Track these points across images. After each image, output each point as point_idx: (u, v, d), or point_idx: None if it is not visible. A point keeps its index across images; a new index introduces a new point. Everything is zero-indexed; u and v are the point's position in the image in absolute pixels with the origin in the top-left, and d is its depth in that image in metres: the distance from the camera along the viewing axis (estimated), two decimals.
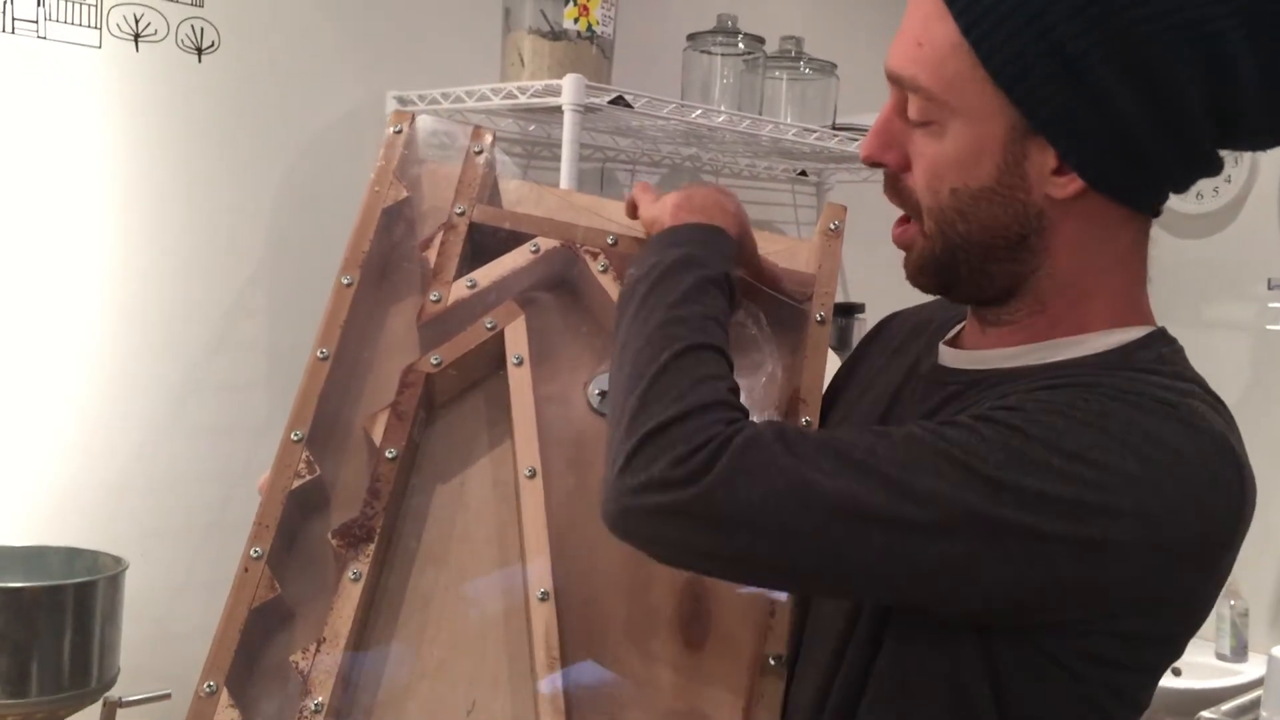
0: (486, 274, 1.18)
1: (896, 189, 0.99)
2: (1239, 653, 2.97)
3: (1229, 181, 3.08)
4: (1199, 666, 2.87)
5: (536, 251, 1.20)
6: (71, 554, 1.87)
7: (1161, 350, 0.96)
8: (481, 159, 1.23)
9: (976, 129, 0.91)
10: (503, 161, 1.27)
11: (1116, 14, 0.85)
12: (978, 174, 0.93)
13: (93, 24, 1.97)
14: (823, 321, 1.18)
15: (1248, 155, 3.02)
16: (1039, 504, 0.85)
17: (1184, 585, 0.90)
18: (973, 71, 0.90)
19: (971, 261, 0.96)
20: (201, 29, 2.08)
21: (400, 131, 1.24)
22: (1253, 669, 2.90)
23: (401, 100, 2.28)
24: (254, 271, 2.18)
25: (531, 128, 2.41)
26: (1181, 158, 0.92)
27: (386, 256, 1.21)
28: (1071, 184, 0.92)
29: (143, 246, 2.05)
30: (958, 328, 1.09)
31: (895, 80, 0.95)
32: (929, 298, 1.08)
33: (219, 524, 2.14)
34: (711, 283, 1.03)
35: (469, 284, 1.18)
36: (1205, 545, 0.89)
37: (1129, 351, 0.95)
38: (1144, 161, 0.92)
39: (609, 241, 1.20)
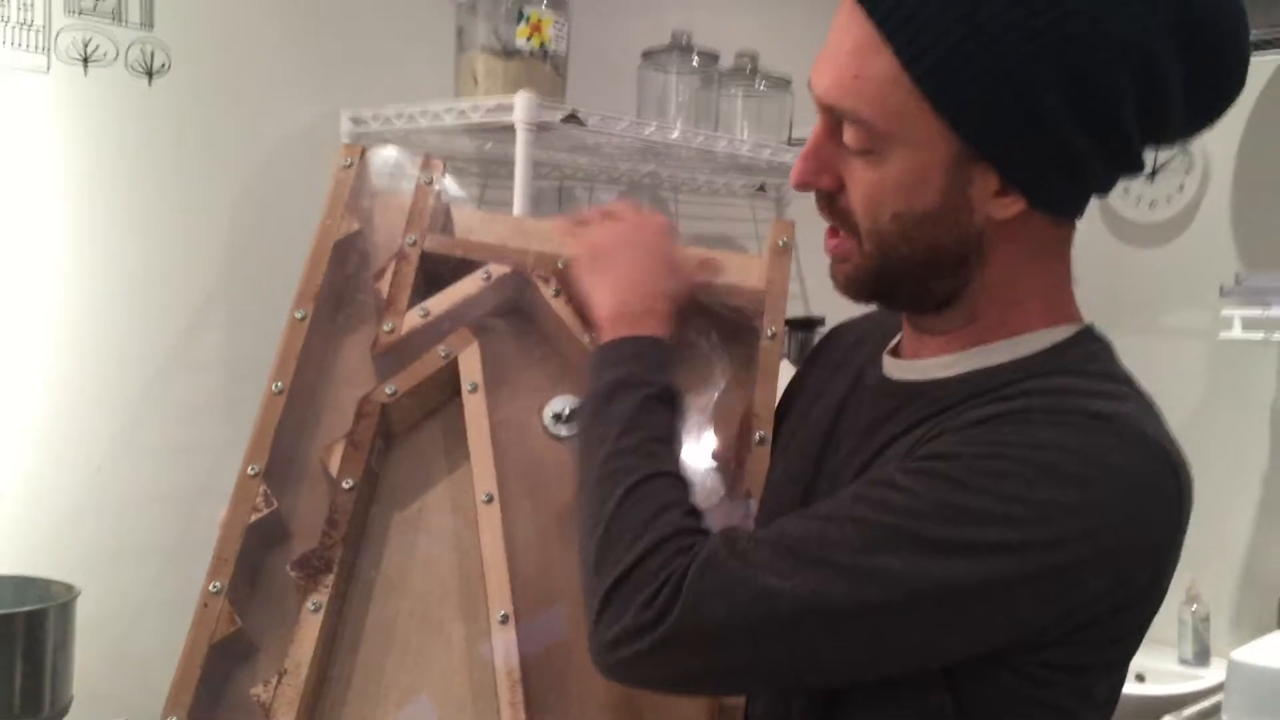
0: (439, 302, 1.19)
1: (832, 209, 0.99)
2: (1201, 658, 2.98)
3: (1181, 190, 3.10)
4: (1161, 672, 2.88)
5: (488, 278, 1.20)
6: (24, 582, 1.85)
7: (1090, 348, 0.98)
8: (432, 188, 1.24)
9: (920, 157, 0.92)
10: (453, 189, 1.27)
11: (1065, 42, 0.86)
12: (921, 199, 0.93)
13: (40, 48, 1.95)
14: (773, 337, 1.20)
15: (1200, 164, 3.05)
16: (991, 556, 0.86)
17: (1138, 587, 0.92)
18: (915, 103, 0.90)
19: (912, 279, 0.98)
20: (151, 51, 2.06)
21: (350, 165, 1.24)
22: (1214, 674, 2.91)
23: (355, 119, 2.27)
24: (210, 292, 2.17)
25: (488, 146, 2.40)
26: (1116, 167, 0.95)
27: (340, 289, 1.21)
28: (1014, 205, 0.93)
29: (97, 270, 2.03)
30: (898, 337, 1.10)
31: (830, 109, 0.95)
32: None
33: (178, 545, 2.12)
34: (654, 399, 1.04)
35: (422, 313, 1.18)
36: (1153, 548, 0.91)
37: (1060, 350, 0.98)
38: (1083, 177, 0.94)
39: (559, 265, 1.21)
